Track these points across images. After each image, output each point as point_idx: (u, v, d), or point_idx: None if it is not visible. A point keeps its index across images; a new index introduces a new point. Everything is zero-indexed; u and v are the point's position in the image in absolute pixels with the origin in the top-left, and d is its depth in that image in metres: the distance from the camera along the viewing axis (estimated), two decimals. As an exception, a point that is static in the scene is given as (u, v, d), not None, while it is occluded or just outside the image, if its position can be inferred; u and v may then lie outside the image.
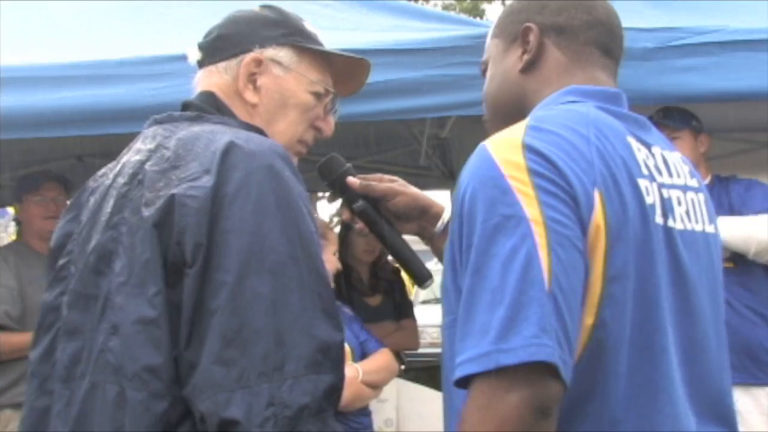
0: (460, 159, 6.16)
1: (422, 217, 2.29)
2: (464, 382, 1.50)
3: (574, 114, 1.68)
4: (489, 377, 1.45)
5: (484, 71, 2.02)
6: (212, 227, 1.68)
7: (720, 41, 3.43)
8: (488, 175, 1.57)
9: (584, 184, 1.55)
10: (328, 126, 2.13)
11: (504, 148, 1.60)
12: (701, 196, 1.82)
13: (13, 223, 5.32)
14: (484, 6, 16.10)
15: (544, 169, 1.55)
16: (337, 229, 5.11)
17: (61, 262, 1.95)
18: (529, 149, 1.57)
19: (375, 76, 3.37)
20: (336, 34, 3.32)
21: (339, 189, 2.28)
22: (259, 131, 1.95)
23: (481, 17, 10.89)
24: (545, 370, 1.44)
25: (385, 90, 3.52)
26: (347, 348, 3.64)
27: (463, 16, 4.98)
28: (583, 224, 1.54)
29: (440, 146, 6.16)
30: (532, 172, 1.54)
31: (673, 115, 4.09)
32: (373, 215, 2.26)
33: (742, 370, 3.75)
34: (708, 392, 1.74)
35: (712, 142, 4.28)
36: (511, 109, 1.87)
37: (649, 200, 1.64)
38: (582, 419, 1.57)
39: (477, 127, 5.20)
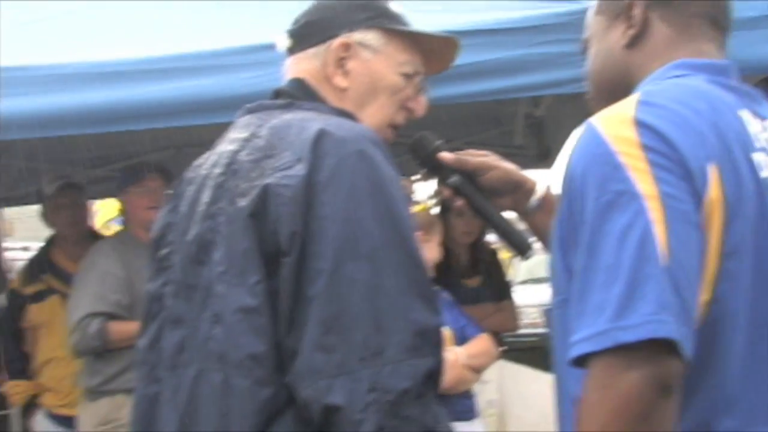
0: (555, 138, 6.12)
1: (516, 192, 2.26)
2: (580, 362, 1.49)
3: (684, 88, 1.65)
4: (607, 356, 1.44)
5: (585, 49, 1.99)
6: (306, 215, 1.69)
7: None
8: (598, 152, 1.55)
9: (699, 158, 1.52)
10: (420, 106, 2.12)
11: (614, 124, 1.57)
12: None
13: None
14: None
15: (657, 143, 1.52)
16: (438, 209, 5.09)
17: (162, 252, 1.99)
18: (640, 124, 1.54)
19: (469, 57, 3.39)
20: (427, 16, 3.30)
21: (432, 166, 2.27)
22: (350, 116, 1.95)
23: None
24: (665, 346, 1.42)
25: (480, 71, 3.49)
26: (447, 333, 3.63)
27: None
28: (699, 199, 1.51)
29: (535, 125, 6.12)
30: (645, 147, 1.52)
31: None
32: (469, 189, 2.24)
33: None
34: None
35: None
36: (616, 86, 1.83)
37: (763, 174, 1.60)
38: (697, 397, 1.54)
39: (572, 105, 5.21)
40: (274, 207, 1.71)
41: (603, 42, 1.91)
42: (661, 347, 1.42)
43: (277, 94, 2.05)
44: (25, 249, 7.67)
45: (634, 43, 1.83)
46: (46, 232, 5.38)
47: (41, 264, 5.17)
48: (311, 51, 2.05)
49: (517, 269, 11.35)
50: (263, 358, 1.71)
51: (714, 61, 1.79)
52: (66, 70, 3.65)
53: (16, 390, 5.23)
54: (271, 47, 2.14)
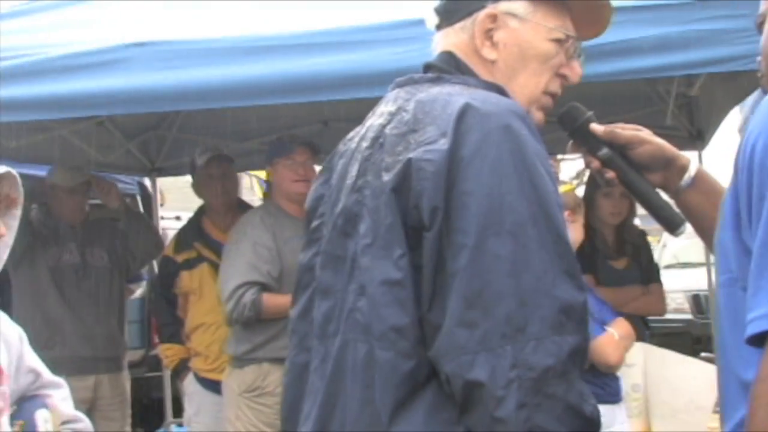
0: (709, 118, 5.97)
1: (667, 169, 2.20)
2: (758, 340, 1.44)
3: None
4: None
5: (760, 24, 1.88)
6: (449, 191, 1.68)
7: None
8: None
9: None
10: (575, 72, 2.06)
11: None
12: None
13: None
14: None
15: None
16: (581, 191, 5.01)
17: (314, 224, 2.01)
18: None
19: (620, 34, 3.34)
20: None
21: (582, 137, 2.22)
22: (500, 89, 1.92)
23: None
24: None
25: (631, 48, 3.43)
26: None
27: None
28: None
29: (687, 105, 5.97)
30: None
31: None
32: (620, 162, 2.19)
33: None
34: None
35: None
36: None
37: None
38: None
39: (729, 85, 5.07)
40: (417, 182, 1.71)
41: None
42: None
43: (427, 68, 2.04)
44: (178, 218, 7.86)
45: None
46: (197, 202, 5.52)
47: (192, 233, 5.32)
48: (458, 25, 2.02)
49: (662, 253, 11.09)
50: (406, 330, 1.71)
51: None
52: (216, 44, 3.72)
53: (169, 353, 5.42)
54: (418, 23, 2.13)
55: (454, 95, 1.81)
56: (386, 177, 1.77)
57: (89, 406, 5.28)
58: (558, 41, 2.01)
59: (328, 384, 1.83)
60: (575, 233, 3.71)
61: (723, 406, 1.69)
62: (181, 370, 5.34)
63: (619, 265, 5.06)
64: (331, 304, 1.87)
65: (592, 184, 5.00)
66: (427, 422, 1.69)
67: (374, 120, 1.94)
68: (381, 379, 1.72)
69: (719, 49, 3.44)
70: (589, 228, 5.09)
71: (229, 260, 4.63)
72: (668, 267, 10.27)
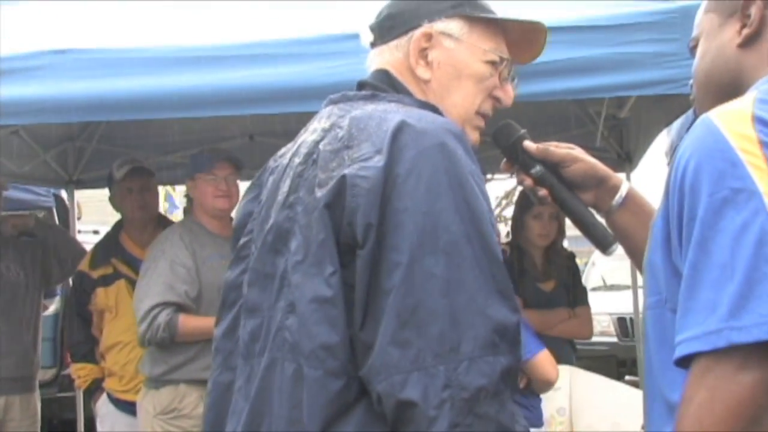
0: (638, 141, 6.07)
1: (599, 188, 2.24)
2: (686, 361, 1.47)
3: None
4: (718, 356, 1.42)
5: (693, 48, 1.95)
6: (384, 208, 1.69)
7: None
8: (716, 148, 1.52)
9: None
10: (507, 95, 2.09)
11: (733, 121, 1.54)
12: None
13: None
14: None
15: None
16: (509, 212, 5.05)
17: (242, 240, 2.01)
18: (760, 121, 1.52)
19: (554, 54, 3.37)
20: (514, 8, 3.27)
21: (515, 155, 2.24)
22: (434, 109, 1.94)
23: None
24: None
25: (564, 69, 3.48)
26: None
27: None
28: None
29: (617, 127, 6.07)
30: (766, 145, 1.49)
31: None
32: (552, 180, 2.22)
33: None
34: None
35: None
36: (725, 86, 1.80)
37: None
38: None
39: (657, 108, 5.16)
40: (351, 198, 1.71)
41: (714, 41, 1.87)
42: None
43: (362, 85, 2.05)
44: (96, 233, 7.77)
45: (748, 43, 1.79)
46: (116, 216, 5.44)
47: (109, 248, 5.24)
48: (393, 43, 2.04)
49: (589, 275, 11.24)
50: (336, 349, 1.71)
51: None
52: (140, 54, 3.69)
53: (81, 373, 5.31)
54: (350, 37, 2.14)
55: (389, 113, 1.82)
56: (319, 193, 1.77)
57: None
58: (492, 63, 2.04)
59: (253, 404, 1.82)
60: None
61: (648, 426, 1.72)
62: (94, 390, 5.25)
63: (547, 287, 5.10)
64: (258, 323, 1.86)
65: (522, 206, 5.05)
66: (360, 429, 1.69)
67: (307, 136, 1.95)
68: (309, 398, 1.71)
69: (649, 72, 3.49)
70: (517, 249, 5.16)
71: (145, 279, 4.57)
72: (595, 289, 10.40)
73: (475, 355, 1.63)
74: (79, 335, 5.31)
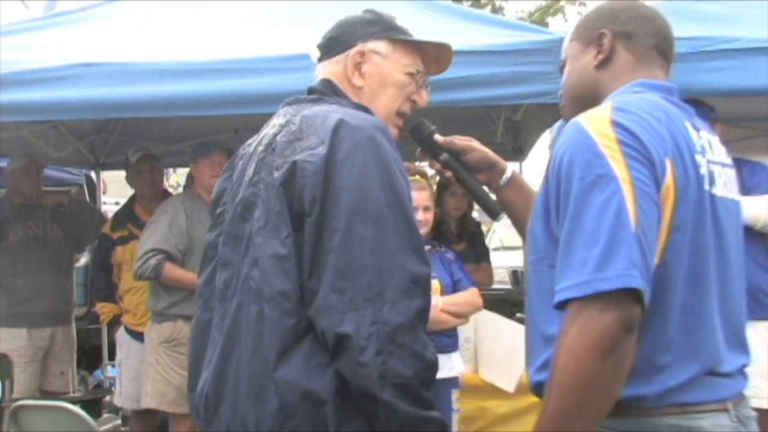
0: (528, 138, 6.10)
1: (491, 170, 2.22)
2: (563, 305, 1.50)
3: (646, 101, 1.66)
4: (587, 301, 1.46)
5: (561, 68, 1.97)
6: (326, 186, 1.69)
7: (738, 48, 3.35)
8: (585, 144, 1.56)
9: (659, 153, 1.55)
10: (422, 99, 2.07)
11: (596, 123, 1.58)
12: (732, 172, 1.79)
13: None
14: (548, 20, 15.95)
15: (630, 140, 1.54)
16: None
17: (218, 210, 1.99)
18: (616, 124, 1.56)
19: (466, 71, 3.39)
20: (434, 37, 3.28)
21: (427, 146, 2.23)
22: (366, 109, 1.92)
23: (546, 26, 10.71)
24: (632, 295, 1.45)
25: (473, 83, 3.47)
26: (436, 283, 3.60)
27: (533, 25, 4.89)
28: (658, 184, 1.54)
29: (513, 127, 6.09)
30: (621, 142, 1.54)
31: (696, 107, 3.88)
32: (455, 164, 2.21)
33: (747, 307, 3.63)
34: (733, 324, 1.72)
35: (726, 129, 4.07)
36: (586, 98, 1.82)
37: (702, 171, 1.63)
38: (644, 336, 1.54)
39: (544, 113, 5.18)
40: (301, 178, 1.71)
41: (577, 62, 1.89)
42: (629, 296, 1.44)
43: (310, 91, 2.04)
44: (117, 204, 7.67)
45: (602, 65, 1.83)
46: (132, 191, 5.39)
47: (126, 215, 5.19)
48: (335, 59, 2.02)
49: (491, 239, 11.29)
50: (290, 294, 1.70)
51: (664, 83, 1.79)
52: (150, 67, 3.65)
53: (105, 310, 5.30)
54: (307, 56, 2.13)
55: (331, 112, 1.81)
56: (276, 174, 1.76)
57: (45, 352, 5.22)
58: (410, 74, 2.02)
59: (226, 336, 1.80)
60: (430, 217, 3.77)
61: (528, 353, 1.74)
62: (114, 323, 5.22)
63: (459, 248, 5.11)
64: (230, 274, 1.84)
65: (441, 185, 5.07)
66: (305, 365, 1.68)
67: (268, 130, 1.93)
68: (269, 332, 1.70)
69: (536, 86, 3.49)
70: (437, 219, 5.18)
71: (149, 229, 4.57)
72: (495, 249, 10.42)
73: (396, 299, 1.63)
74: (102, 282, 5.28)
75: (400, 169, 1.76)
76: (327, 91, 1.99)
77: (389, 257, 1.66)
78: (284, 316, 1.70)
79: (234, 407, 1.75)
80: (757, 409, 3.75)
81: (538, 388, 1.67)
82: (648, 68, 1.80)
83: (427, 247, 3.71)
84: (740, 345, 1.73)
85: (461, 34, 3.76)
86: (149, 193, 5.16)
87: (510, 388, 4.11)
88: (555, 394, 1.47)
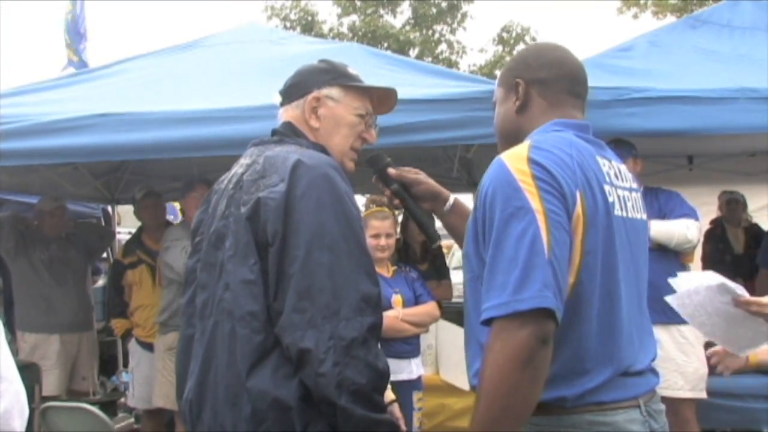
0: (480, 172, 6.05)
1: (435, 200, 2.19)
2: (488, 322, 1.48)
3: (560, 139, 1.64)
4: (507, 319, 1.45)
5: (494, 108, 1.93)
6: (286, 219, 1.66)
7: (652, 97, 3.40)
8: (505, 179, 1.54)
9: (570, 186, 1.54)
10: (371, 136, 2.03)
11: (515, 161, 1.56)
12: (638, 195, 1.78)
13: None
14: (496, 72, 16.13)
15: (544, 175, 1.52)
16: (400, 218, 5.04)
17: (197, 239, 1.94)
18: (532, 162, 1.54)
19: (425, 116, 3.40)
20: (400, 88, 3.27)
21: (382, 176, 2.18)
22: (322, 148, 1.89)
23: (494, 78, 10.87)
24: (546, 313, 1.44)
25: (432, 126, 3.48)
26: (399, 298, 3.57)
27: (481, 77, 4.91)
28: (569, 214, 1.52)
29: (467, 164, 6.07)
30: (536, 178, 1.52)
31: (621, 145, 3.90)
32: (404, 194, 2.17)
33: (661, 313, 3.63)
34: (643, 326, 1.72)
35: (645, 163, 4.13)
36: (511, 138, 1.79)
37: (611, 199, 1.61)
38: (566, 346, 1.54)
39: (493, 151, 5.11)
40: (264, 213, 1.69)
41: (502, 106, 1.86)
42: (543, 314, 1.44)
43: (274, 132, 2.00)
44: (130, 233, 7.62)
45: (520, 110, 1.79)
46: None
47: (135, 244, 5.15)
48: (294, 103, 1.98)
49: (451, 259, 11.26)
50: (258, 314, 1.67)
51: (578, 121, 1.75)
52: (154, 116, 3.64)
53: (118, 325, 5.23)
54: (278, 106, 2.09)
55: (290, 153, 1.78)
56: (243, 209, 1.73)
57: (74, 357, 5.21)
58: (360, 116, 1.99)
59: (205, 350, 1.77)
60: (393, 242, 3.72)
61: (468, 358, 1.71)
62: (126, 336, 5.16)
63: (423, 267, 5.09)
64: (207, 295, 1.80)
65: (406, 214, 5.04)
66: (273, 376, 1.65)
67: (237, 169, 1.90)
68: (240, 347, 1.67)
69: (485, 129, 3.44)
70: (405, 243, 5.16)
71: (174, 255, 4.42)
72: (455, 268, 10.39)
73: (350, 317, 1.61)
74: (115, 301, 5.22)
75: (352, 201, 1.74)
76: (288, 132, 1.95)
77: (343, 280, 1.64)
78: (253, 334, 1.67)
79: (214, 412, 1.72)
80: (672, 399, 3.80)
81: (475, 389, 1.64)
82: (561, 109, 1.76)
83: (393, 268, 3.72)
84: (649, 342, 1.73)
85: (422, 85, 3.77)
86: (153, 225, 5.12)
87: (466, 386, 4.05)
88: (482, 401, 1.46)
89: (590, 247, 1.54)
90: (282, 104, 2.03)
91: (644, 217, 1.78)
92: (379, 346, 1.67)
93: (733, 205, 5.93)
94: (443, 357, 4.19)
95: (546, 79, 1.76)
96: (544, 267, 1.44)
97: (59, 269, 5.20)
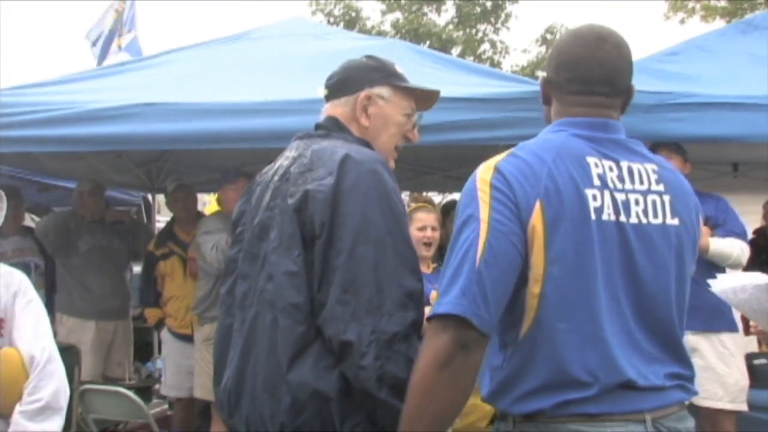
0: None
1: None
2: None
3: (544, 142, 1.62)
4: (433, 321, 1.48)
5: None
6: (334, 212, 1.67)
7: (698, 102, 3.35)
8: (469, 187, 1.57)
9: (528, 196, 1.51)
10: (415, 135, 2.04)
11: (484, 170, 1.58)
12: (666, 197, 1.64)
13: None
14: (538, 73, 15.97)
15: (502, 185, 1.52)
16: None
17: (238, 230, 1.96)
18: (497, 170, 1.55)
19: (467, 115, 3.39)
20: (442, 86, 3.25)
21: None
22: (367, 144, 1.90)
23: (536, 79, 10.75)
24: (462, 320, 1.45)
25: (473, 125, 3.45)
26: (435, 294, 3.56)
27: (524, 77, 4.86)
28: (523, 224, 1.50)
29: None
30: (493, 187, 1.52)
31: (670, 145, 3.80)
32: None
33: (702, 320, 3.57)
34: (660, 340, 1.61)
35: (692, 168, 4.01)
36: None
37: (595, 204, 1.55)
38: (541, 359, 1.53)
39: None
40: (312, 205, 1.70)
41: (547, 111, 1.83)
42: (459, 320, 1.44)
43: (318, 126, 2.00)
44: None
45: (547, 109, 1.79)
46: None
47: (166, 235, 5.17)
48: (343, 99, 1.97)
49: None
50: (300, 306, 1.68)
51: (586, 119, 1.67)
52: (198, 107, 3.67)
53: (151, 315, 5.29)
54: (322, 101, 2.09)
55: (338, 147, 1.79)
56: (290, 201, 1.74)
57: (110, 343, 5.26)
58: (407, 115, 1.99)
59: (245, 340, 1.78)
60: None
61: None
62: (159, 325, 5.22)
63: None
64: (248, 286, 1.82)
65: (444, 212, 5.02)
66: (313, 368, 1.66)
67: (282, 161, 1.91)
68: (282, 338, 1.68)
69: (525, 129, 3.41)
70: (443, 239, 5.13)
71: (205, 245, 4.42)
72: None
73: (393, 312, 1.61)
74: (148, 291, 5.26)
75: (398, 197, 1.75)
76: (333, 127, 1.95)
77: (387, 275, 1.64)
78: (295, 325, 1.68)
79: (252, 401, 1.73)
80: (711, 410, 3.71)
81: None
82: (572, 108, 1.69)
83: (434, 265, 3.71)
84: (671, 357, 1.62)
85: (464, 84, 3.75)
86: (184, 216, 5.14)
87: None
88: (406, 401, 1.49)
89: (555, 257, 1.50)
90: (327, 98, 2.03)
91: (670, 221, 1.63)
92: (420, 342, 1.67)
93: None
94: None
95: (558, 81, 1.72)
96: (469, 275, 1.45)
97: (101, 258, 5.27)
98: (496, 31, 17.46)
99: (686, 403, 1.64)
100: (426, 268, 3.63)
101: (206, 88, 3.94)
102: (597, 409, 1.51)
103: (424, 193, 7.49)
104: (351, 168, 1.70)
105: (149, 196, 7.17)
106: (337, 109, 1.98)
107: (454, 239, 1.52)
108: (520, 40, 27.63)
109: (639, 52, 3.32)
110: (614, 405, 1.52)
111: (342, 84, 2.00)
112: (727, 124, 3.32)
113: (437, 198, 8.11)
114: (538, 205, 1.50)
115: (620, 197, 1.57)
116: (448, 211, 4.94)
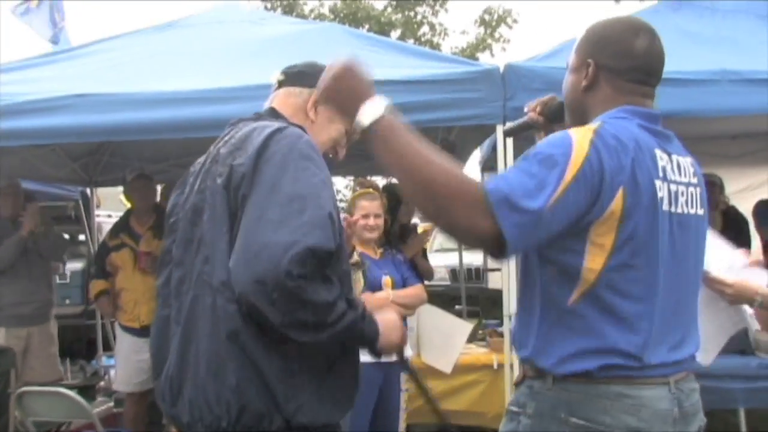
0: (461, 155, 6.11)
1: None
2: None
3: (625, 129, 1.62)
4: (490, 196, 1.49)
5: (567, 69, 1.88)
6: (251, 183, 1.66)
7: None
8: (561, 137, 1.57)
9: (614, 181, 1.54)
10: (341, 153, 2.02)
11: (581, 135, 1.57)
12: (696, 190, 1.75)
13: None
14: (478, 55, 16.03)
15: (595, 162, 1.53)
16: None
17: (171, 220, 1.91)
18: (593, 144, 1.54)
19: (408, 98, 3.37)
20: (381, 69, 3.25)
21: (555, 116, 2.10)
22: (300, 128, 1.85)
23: (476, 60, 10.74)
24: (503, 239, 1.47)
25: (413, 107, 3.42)
26: (389, 279, 3.56)
27: (463, 58, 4.90)
28: (597, 199, 1.53)
29: (449, 145, 6.09)
30: (587, 159, 1.52)
31: None
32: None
33: None
34: (682, 322, 1.73)
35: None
36: (577, 110, 1.80)
37: (660, 194, 1.61)
38: (591, 329, 1.60)
39: (474, 133, 5.18)
40: (235, 179, 1.69)
41: (572, 76, 1.81)
42: (503, 239, 1.47)
43: (256, 115, 1.98)
44: (109, 216, 7.58)
45: (587, 90, 1.76)
46: (122, 207, 5.28)
47: (121, 227, 5.03)
48: (299, 89, 1.95)
49: (432, 242, 11.28)
50: (229, 283, 1.63)
51: (646, 110, 1.73)
52: (133, 97, 3.61)
53: (94, 286, 5.07)
54: (268, 86, 2.06)
55: (267, 126, 1.77)
56: (219, 180, 1.73)
57: (23, 351, 4.99)
58: (345, 132, 1.97)
59: (184, 325, 1.76)
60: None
61: (522, 337, 1.74)
62: (100, 297, 5.01)
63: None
64: (183, 272, 1.79)
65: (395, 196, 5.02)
66: (255, 346, 1.65)
67: (213, 148, 1.89)
68: (222, 318, 1.66)
69: (466, 111, 3.51)
70: (388, 225, 5.13)
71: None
72: (437, 251, 10.45)
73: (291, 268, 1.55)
74: (97, 270, 5.05)
75: (320, 168, 1.70)
76: (269, 117, 1.92)
77: (288, 232, 1.57)
78: (228, 303, 1.65)
79: (195, 386, 1.71)
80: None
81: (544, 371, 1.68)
82: (629, 96, 1.73)
83: (380, 250, 3.71)
84: (691, 339, 1.76)
85: (403, 66, 3.76)
86: (143, 207, 5.02)
87: (447, 369, 4.09)
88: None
89: (623, 240, 1.57)
90: (281, 84, 2.00)
91: (701, 212, 1.76)
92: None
93: (709, 188, 5.97)
94: (424, 340, 4.19)
95: (616, 68, 1.73)
96: (533, 213, 1.47)
97: (19, 262, 5.05)
98: (435, 13, 17.46)
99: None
100: (373, 253, 3.63)
101: (140, 78, 3.86)
102: (637, 374, 1.60)
103: (368, 177, 7.48)
104: (275, 141, 1.70)
105: (87, 191, 7.01)
106: (290, 98, 1.96)
107: (522, 157, 1.54)
108: (459, 22, 27.71)
109: (574, 29, 3.38)
110: (650, 372, 1.62)
111: (303, 75, 1.97)
112: (662, 99, 3.36)
113: (382, 182, 8.12)
114: (621, 192, 1.54)
115: (673, 189, 1.66)
116: (390, 193, 4.95)
